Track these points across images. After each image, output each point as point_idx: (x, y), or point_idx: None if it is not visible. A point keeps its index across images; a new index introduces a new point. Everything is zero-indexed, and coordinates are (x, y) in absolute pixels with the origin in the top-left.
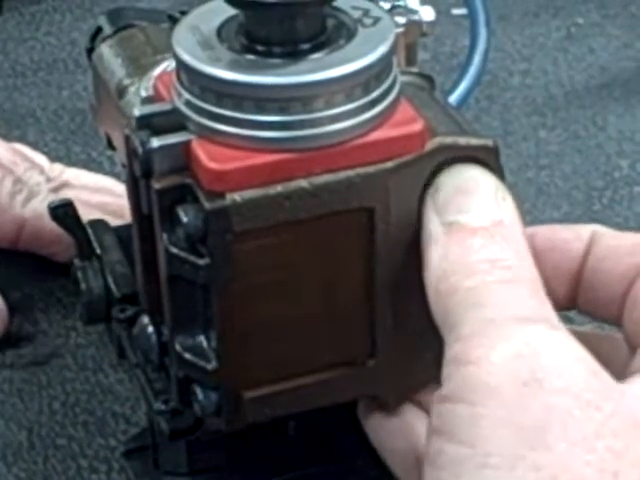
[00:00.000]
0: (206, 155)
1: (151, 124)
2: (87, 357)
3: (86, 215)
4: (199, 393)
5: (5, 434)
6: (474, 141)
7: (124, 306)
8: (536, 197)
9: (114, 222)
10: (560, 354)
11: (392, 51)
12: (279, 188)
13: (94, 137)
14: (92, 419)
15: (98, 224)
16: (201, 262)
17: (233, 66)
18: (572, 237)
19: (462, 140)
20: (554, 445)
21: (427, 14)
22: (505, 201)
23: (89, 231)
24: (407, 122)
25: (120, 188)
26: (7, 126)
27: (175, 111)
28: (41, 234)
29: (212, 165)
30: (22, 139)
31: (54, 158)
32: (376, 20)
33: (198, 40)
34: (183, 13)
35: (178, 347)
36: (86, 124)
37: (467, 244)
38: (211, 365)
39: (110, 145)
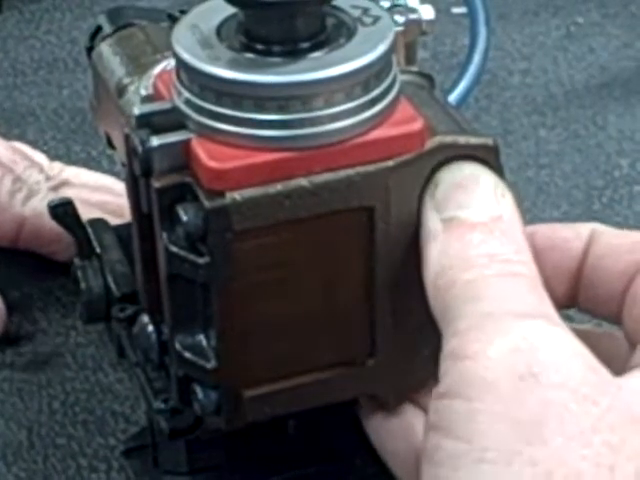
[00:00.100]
0: (206, 154)
1: (151, 123)
2: (87, 356)
3: (86, 214)
4: (199, 392)
5: (5, 433)
6: (474, 140)
7: (124, 305)
8: (536, 196)
9: (114, 221)
10: (557, 349)
11: (392, 50)
12: (279, 187)
13: (94, 136)
14: (92, 418)
15: (98, 223)
16: (201, 261)
17: (233, 65)
18: (572, 235)
19: (462, 139)
20: (550, 440)
21: (427, 13)
22: (504, 197)
23: (89, 230)
24: (407, 121)
25: (120, 186)
26: (7, 125)
27: (175, 110)
28: (41, 233)
29: (212, 164)
30: (22, 138)
31: (54, 157)
32: (376, 19)
33: (198, 39)
34: (183, 12)
35: (178, 346)
36: (86, 123)
37: (466, 239)
38: (211, 364)
39: (110, 144)
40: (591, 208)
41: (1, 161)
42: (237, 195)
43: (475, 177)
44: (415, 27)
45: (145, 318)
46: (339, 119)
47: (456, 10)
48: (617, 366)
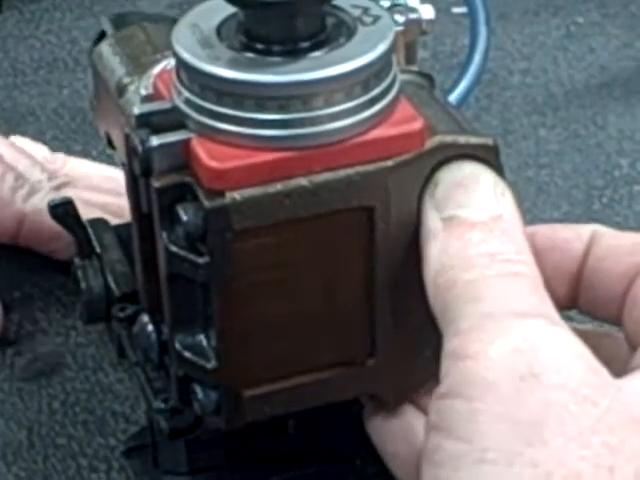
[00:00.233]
0: (206, 153)
1: (151, 122)
2: (87, 356)
3: (87, 214)
4: (199, 392)
5: (5, 433)
6: (474, 140)
7: (124, 305)
8: (536, 196)
9: (114, 222)
10: (558, 349)
11: (392, 49)
12: (279, 186)
13: (94, 136)
14: (92, 418)
15: (98, 223)
16: (201, 260)
17: (233, 64)
18: (572, 236)
19: (462, 139)
20: (550, 440)
21: (427, 12)
22: (504, 196)
23: (89, 230)
24: (407, 120)
25: (122, 176)
26: (7, 125)
27: (175, 109)
28: (41, 230)
29: (212, 163)
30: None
31: None
32: (376, 18)
33: (198, 38)
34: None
35: (178, 346)
36: (86, 123)
37: (466, 238)
38: (211, 364)
39: (110, 144)
40: (591, 208)
41: (3, 159)
42: (237, 195)
43: (475, 176)
44: (415, 27)
45: (145, 318)
46: (339, 118)
47: (456, 10)
48: (617, 367)
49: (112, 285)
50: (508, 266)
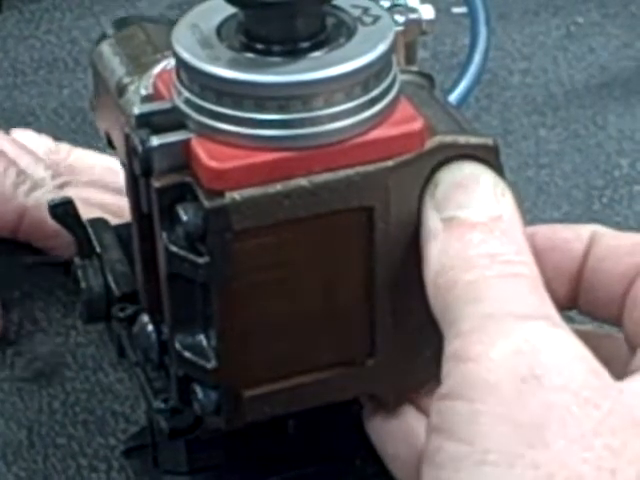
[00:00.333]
0: (206, 154)
1: (151, 122)
2: (87, 356)
3: (87, 214)
4: (199, 392)
5: (5, 433)
6: (474, 140)
7: (124, 305)
8: (536, 196)
9: (114, 221)
10: (559, 351)
11: (391, 50)
12: (279, 187)
13: (94, 136)
14: (92, 418)
15: (98, 222)
16: (200, 261)
17: (233, 64)
18: (572, 237)
19: (462, 139)
20: (552, 442)
21: (427, 12)
22: (504, 197)
23: (89, 230)
24: (407, 121)
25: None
26: (7, 125)
27: (175, 109)
28: (41, 226)
29: (212, 164)
30: None
31: None
32: (376, 19)
33: (198, 39)
34: None
35: (178, 346)
36: (86, 123)
37: (466, 239)
38: (211, 364)
39: (110, 144)
40: (591, 208)
41: (6, 155)
42: (237, 195)
43: (475, 177)
44: (415, 27)
45: (145, 318)
46: (339, 119)
47: (456, 10)
48: (617, 368)
49: (112, 285)
50: (508, 267)
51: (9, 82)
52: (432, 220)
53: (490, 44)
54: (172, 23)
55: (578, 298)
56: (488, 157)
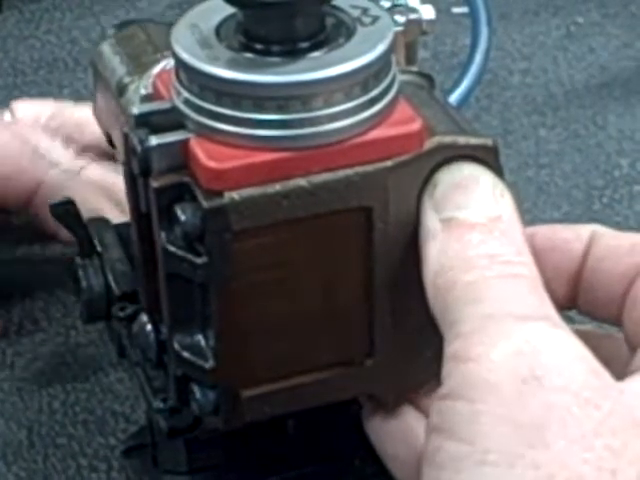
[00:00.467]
0: (204, 154)
1: (150, 122)
2: (87, 356)
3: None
4: (197, 392)
5: (5, 433)
6: (473, 140)
7: (124, 304)
8: (536, 196)
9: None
10: (560, 352)
11: (391, 50)
12: (277, 187)
13: None
14: (92, 418)
15: (99, 222)
16: (199, 261)
17: (232, 65)
18: (572, 237)
19: (461, 139)
20: (552, 443)
21: (427, 13)
22: (503, 197)
23: (90, 229)
24: (405, 121)
25: None
26: None
27: (174, 109)
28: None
29: (210, 164)
30: None
31: None
32: (375, 19)
33: (197, 39)
34: None
35: (176, 345)
36: None
37: (465, 239)
38: (209, 364)
39: (111, 143)
40: (591, 208)
41: (23, 135)
42: (235, 195)
43: (474, 177)
44: (416, 27)
45: (144, 317)
46: (338, 119)
47: (456, 10)
48: (617, 367)
49: (112, 284)
50: (508, 268)
51: (9, 82)
52: (431, 220)
53: (491, 44)
54: (172, 23)
55: (578, 298)
56: (487, 158)
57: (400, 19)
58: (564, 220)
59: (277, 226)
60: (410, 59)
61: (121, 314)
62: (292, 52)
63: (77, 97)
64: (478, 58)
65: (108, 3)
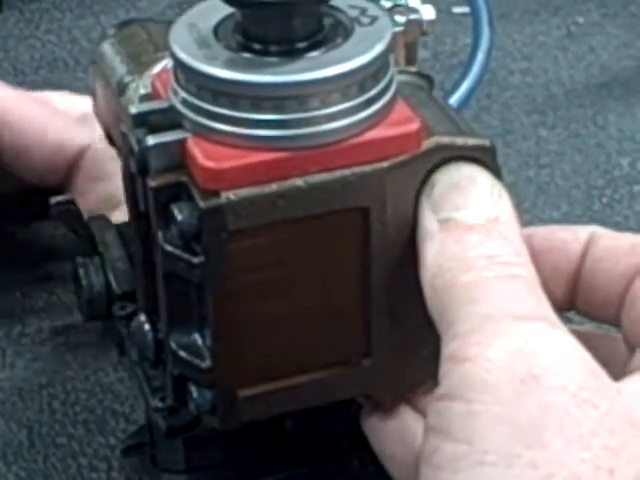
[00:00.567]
0: (201, 153)
1: (148, 122)
2: (87, 356)
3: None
4: (194, 391)
5: (5, 433)
6: (471, 141)
7: (125, 303)
8: (536, 196)
9: None
10: (558, 352)
11: (389, 50)
12: (274, 187)
13: None
14: (92, 418)
15: (100, 221)
16: (195, 260)
17: (229, 64)
18: (570, 238)
19: (459, 140)
20: (550, 443)
21: (428, 13)
22: (501, 198)
23: (91, 228)
24: (403, 122)
25: None
26: None
27: (171, 109)
28: (102, 165)
29: (207, 163)
30: None
31: None
32: (373, 19)
33: (195, 38)
34: None
35: (173, 345)
36: None
37: (464, 240)
38: (205, 363)
39: (111, 142)
40: (591, 208)
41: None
42: (232, 195)
43: (472, 178)
44: (416, 27)
45: (142, 316)
46: (335, 119)
47: (457, 10)
48: (616, 368)
49: (113, 283)
50: (506, 268)
51: (9, 82)
52: (429, 221)
53: (493, 44)
54: (172, 22)
55: (576, 299)
56: (485, 158)
57: (400, 19)
58: (564, 220)
59: (274, 226)
60: (410, 59)
61: (121, 313)
62: (290, 52)
63: None
64: (479, 58)
65: (108, 3)
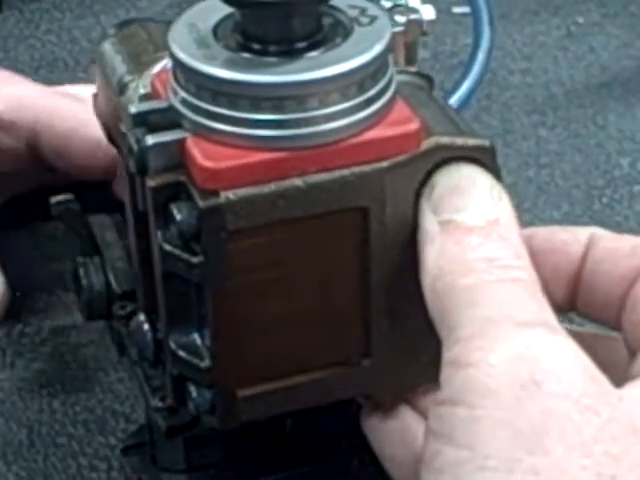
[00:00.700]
0: (201, 153)
1: (147, 121)
2: (87, 356)
3: None
4: (193, 391)
5: (5, 433)
6: (471, 141)
7: (125, 303)
8: (536, 196)
9: None
10: (559, 358)
11: (388, 50)
12: (273, 187)
13: None
14: (92, 417)
15: (100, 220)
16: (195, 260)
17: (229, 64)
18: (570, 239)
19: (459, 140)
20: (552, 449)
21: (428, 13)
22: (501, 200)
23: (92, 227)
24: (403, 122)
25: None
26: None
27: (171, 109)
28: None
29: (206, 163)
30: None
31: None
32: (372, 19)
33: (194, 38)
34: None
35: (172, 344)
36: None
37: (464, 242)
38: (205, 363)
39: (111, 141)
40: (591, 208)
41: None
42: (231, 194)
43: (472, 179)
44: (416, 27)
45: (141, 316)
46: (334, 119)
47: (457, 10)
48: (616, 370)
49: (113, 283)
50: (507, 271)
51: None
52: (429, 223)
53: (493, 44)
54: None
55: (576, 300)
56: (485, 159)
57: (400, 19)
58: (564, 220)
59: (273, 226)
60: (410, 59)
61: (122, 313)
62: (289, 52)
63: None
64: (480, 58)
65: (108, 3)
